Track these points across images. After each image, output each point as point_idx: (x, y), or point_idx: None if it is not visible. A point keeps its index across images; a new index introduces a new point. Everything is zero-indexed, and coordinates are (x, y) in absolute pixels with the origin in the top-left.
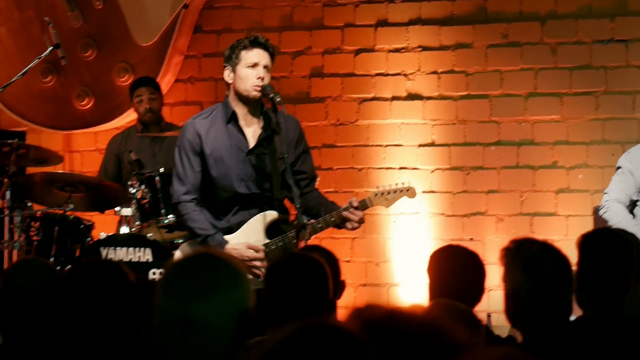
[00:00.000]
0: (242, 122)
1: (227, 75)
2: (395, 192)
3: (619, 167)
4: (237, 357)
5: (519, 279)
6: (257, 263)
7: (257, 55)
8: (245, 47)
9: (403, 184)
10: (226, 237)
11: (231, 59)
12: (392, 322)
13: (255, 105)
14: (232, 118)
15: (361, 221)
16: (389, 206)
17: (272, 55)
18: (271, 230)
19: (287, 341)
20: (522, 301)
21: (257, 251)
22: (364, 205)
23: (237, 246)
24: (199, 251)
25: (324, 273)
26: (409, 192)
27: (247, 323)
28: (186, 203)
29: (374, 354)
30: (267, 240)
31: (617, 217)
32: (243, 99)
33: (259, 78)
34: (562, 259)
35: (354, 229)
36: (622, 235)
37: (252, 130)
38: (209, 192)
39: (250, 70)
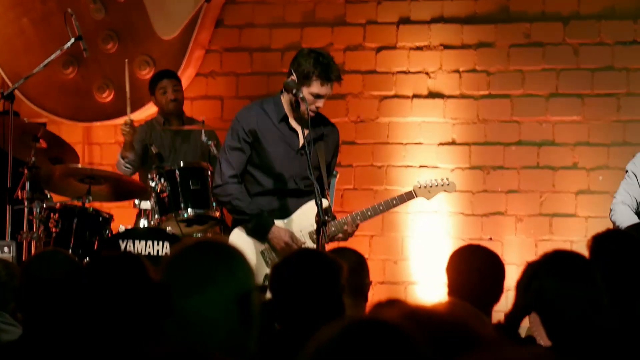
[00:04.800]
0: (292, 123)
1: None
2: (437, 186)
3: (626, 171)
4: (249, 338)
5: (542, 285)
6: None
7: (325, 90)
8: (320, 78)
9: (443, 179)
10: (280, 221)
11: (302, 73)
12: (420, 317)
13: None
14: (284, 119)
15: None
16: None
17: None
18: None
19: (340, 337)
20: (547, 304)
21: (297, 245)
22: (409, 196)
23: (281, 232)
24: (192, 242)
25: (333, 269)
26: (449, 186)
27: (248, 306)
28: (234, 185)
29: (426, 349)
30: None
31: (622, 218)
32: (296, 111)
33: (316, 106)
34: (583, 260)
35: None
36: (633, 235)
37: (301, 130)
38: (257, 178)
39: (313, 99)
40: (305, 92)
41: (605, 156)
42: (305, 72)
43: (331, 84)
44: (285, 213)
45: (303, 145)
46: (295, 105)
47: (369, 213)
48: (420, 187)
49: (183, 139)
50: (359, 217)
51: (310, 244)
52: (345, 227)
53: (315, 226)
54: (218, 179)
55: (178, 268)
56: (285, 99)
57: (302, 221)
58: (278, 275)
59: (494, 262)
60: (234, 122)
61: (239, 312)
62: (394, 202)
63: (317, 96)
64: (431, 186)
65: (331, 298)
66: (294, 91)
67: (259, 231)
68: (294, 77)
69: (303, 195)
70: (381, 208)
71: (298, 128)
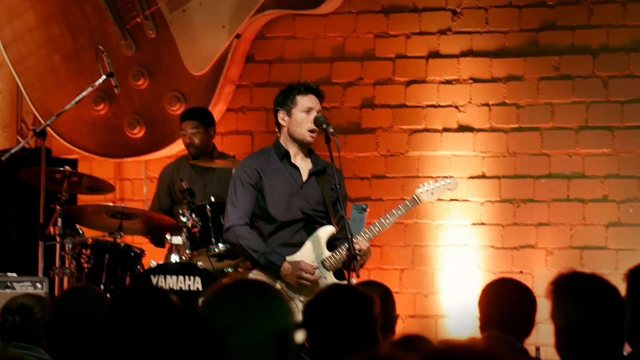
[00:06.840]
0: (293, 159)
1: (282, 119)
2: (439, 186)
3: None
4: None
5: (571, 313)
6: (309, 280)
7: (311, 101)
8: (300, 92)
9: (444, 179)
10: (291, 256)
11: (286, 103)
12: (454, 355)
13: (306, 146)
14: (285, 156)
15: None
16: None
17: (322, 101)
18: (329, 244)
19: None
20: (576, 336)
21: (311, 272)
22: (413, 202)
23: (293, 267)
24: (230, 282)
25: (366, 302)
26: (451, 184)
27: (285, 345)
28: (241, 226)
29: None
30: (329, 253)
31: None
32: (297, 141)
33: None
34: (613, 290)
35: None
36: None
37: (304, 165)
38: (266, 217)
39: (306, 115)
40: (298, 114)
41: (635, 188)
42: (287, 97)
43: (315, 96)
44: (299, 244)
45: (307, 180)
46: (298, 140)
47: (376, 229)
48: (422, 192)
49: (213, 174)
50: (367, 234)
51: (324, 273)
52: (356, 245)
53: (326, 253)
54: (226, 224)
55: (215, 306)
56: (284, 138)
57: (313, 250)
58: (311, 310)
59: (525, 295)
60: (236, 171)
61: (276, 351)
62: (399, 212)
63: (309, 111)
64: (433, 188)
65: (365, 331)
66: (324, 126)
67: (271, 269)
68: (282, 112)
69: (314, 224)
70: (388, 221)
71: (300, 165)
